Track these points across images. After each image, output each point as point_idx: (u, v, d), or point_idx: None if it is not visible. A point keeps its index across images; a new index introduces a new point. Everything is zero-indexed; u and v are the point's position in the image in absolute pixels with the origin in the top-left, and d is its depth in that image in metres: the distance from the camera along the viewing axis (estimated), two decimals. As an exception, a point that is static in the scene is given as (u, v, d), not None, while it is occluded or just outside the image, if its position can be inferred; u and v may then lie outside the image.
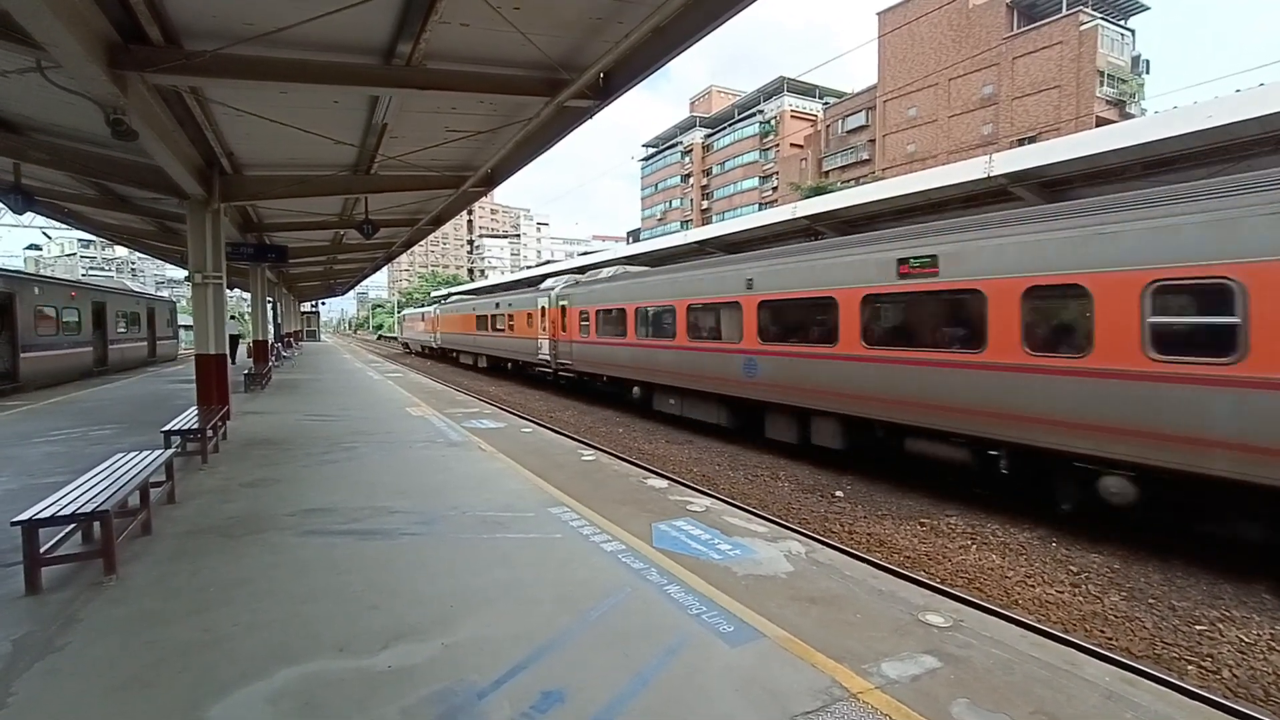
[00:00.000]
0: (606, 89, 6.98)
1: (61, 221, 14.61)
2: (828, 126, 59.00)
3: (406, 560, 4.28)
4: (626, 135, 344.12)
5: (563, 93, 6.77)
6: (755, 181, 72.55)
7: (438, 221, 15.73)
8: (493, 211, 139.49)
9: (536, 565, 4.20)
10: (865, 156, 53.16)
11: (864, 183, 29.43)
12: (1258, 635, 4.56)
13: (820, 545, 4.95)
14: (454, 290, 46.35)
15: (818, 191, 34.88)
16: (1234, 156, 8.80)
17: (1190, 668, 4.25)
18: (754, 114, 74.45)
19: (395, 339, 66.12)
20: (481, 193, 12.31)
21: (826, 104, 63.85)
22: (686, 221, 78.97)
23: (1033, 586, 5.44)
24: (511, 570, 4.11)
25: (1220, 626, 4.71)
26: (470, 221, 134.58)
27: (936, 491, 7.89)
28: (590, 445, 9.43)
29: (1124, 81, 40.17)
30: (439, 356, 36.31)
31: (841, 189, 25.10)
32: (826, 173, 55.99)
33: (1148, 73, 41.84)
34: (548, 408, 16.35)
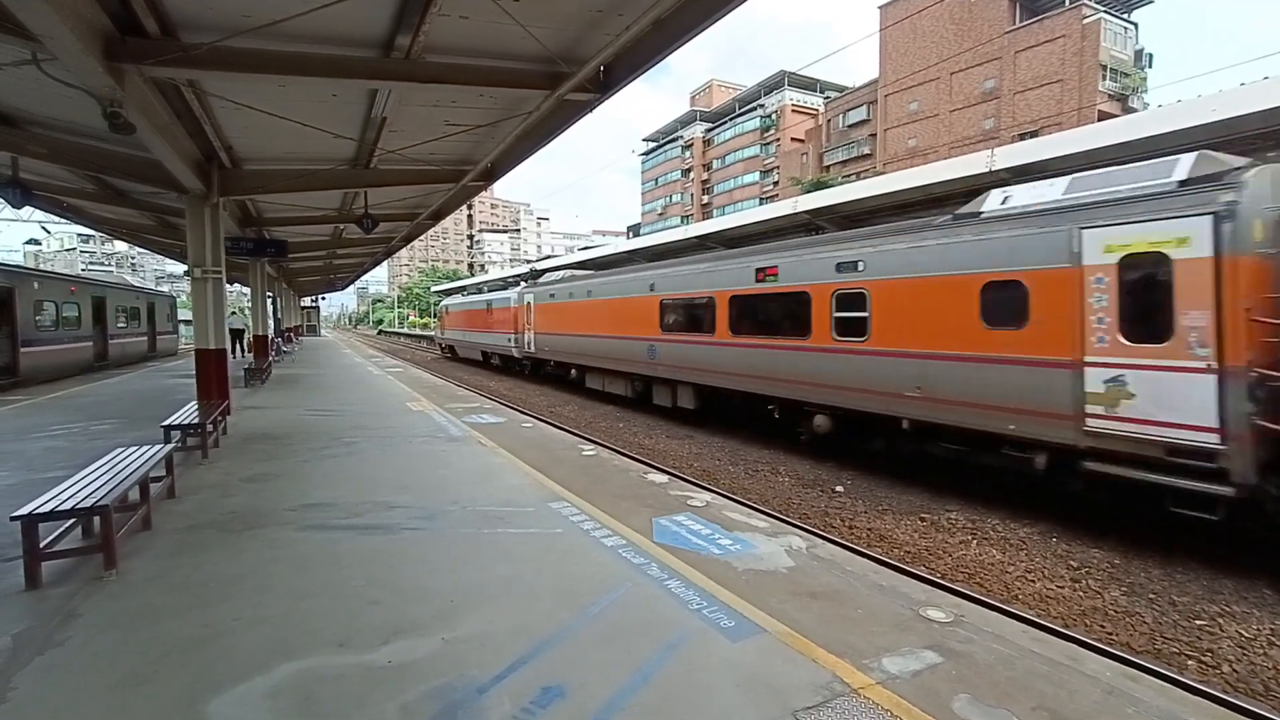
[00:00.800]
0: (607, 82, 6.93)
1: (60, 216, 14.58)
2: (829, 121, 58.81)
3: (407, 555, 4.27)
4: (626, 129, 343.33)
5: (563, 86, 6.72)
6: (756, 176, 72.38)
7: (437, 216, 15.68)
8: (493, 206, 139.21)
9: (537, 560, 4.20)
10: (866, 151, 53.00)
11: (865, 177, 29.32)
12: (1258, 630, 4.56)
13: (821, 540, 4.93)
14: (583, 259, 24.83)
15: (818, 186, 34.79)
16: (1236, 150, 8.75)
17: (1190, 662, 4.25)
18: (755, 108, 74.18)
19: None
20: (481, 187, 12.26)
21: (828, 98, 63.59)
22: (687, 216, 78.88)
23: (1033, 581, 5.44)
24: (512, 565, 4.10)
25: (1220, 622, 4.71)
26: (470, 216, 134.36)
27: (936, 486, 7.88)
28: (591, 440, 9.43)
29: (1126, 75, 40.00)
30: (517, 371, 22.62)
31: (842, 184, 24.99)
32: (827, 167, 55.86)
33: (1150, 66, 41.65)
34: (548, 403, 16.34)
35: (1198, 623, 4.71)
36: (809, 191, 24.83)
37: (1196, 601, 5.01)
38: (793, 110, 69.63)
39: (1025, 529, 6.52)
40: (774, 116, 71.45)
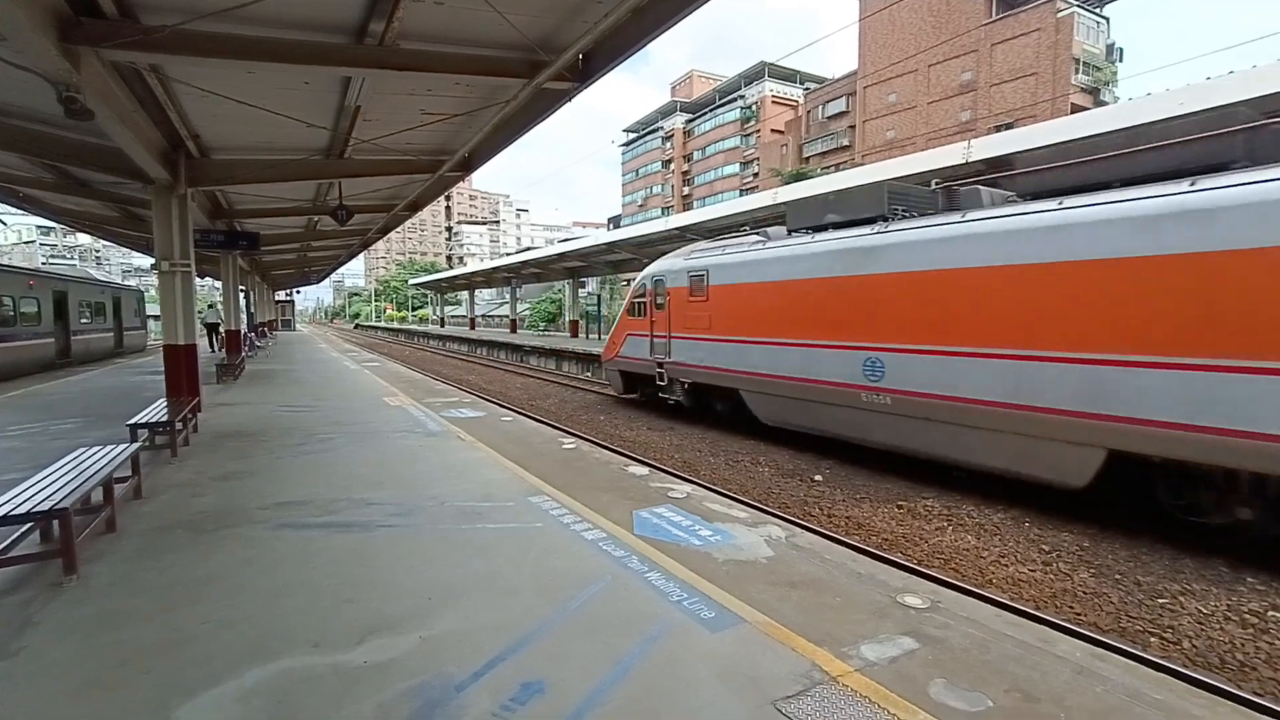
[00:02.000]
0: (586, 71, 6.87)
1: (16, 207, 14.00)
2: (808, 112, 59.03)
3: (383, 553, 4.21)
4: (607, 119, 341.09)
5: (541, 74, 6.64)
6: (736, 167, 72.48)
7: (414, 207, 15.43)
8: (471, 198, 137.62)
9: (516, 555, 4.16)
10: (845, 142, 53.37)
11: (844, 168, 29.51)
12: (1215, 607, 4.72)
13: (800, 529, 4.97)
14: None
15: (798, 177, 34.95)
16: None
17: (1153, 639, 4.38)
18: (735, 99, 74.16)
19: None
20: (459, 177, 12.10)
21: (807, 89, 63.86)
22: (668, 207, 78.73)
23: (1006, 565, 5.55)
24: (491, 561, 4.07)
25: (1181, 599, 4.85)
26: (448, 208, 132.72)
27: (913, 475, 7.99)
28: (571, 433, 9.39)
29: (1098, 69, 40.77)
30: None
31: (821, 175, 25.13)
32: (807, 159, 56.12)
33: (1121, 60, 42.48)
34: (529, 396, 16.24)
35: (1160, 601, 4.85)
36: (789, 183, 24.96)
37: (1159, 581, 5.15)
38: (773, 101, 69.79)
39: (999, 514, 6.65)
40: (754, 108, 71.53)
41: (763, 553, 4.27)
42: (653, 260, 13.49)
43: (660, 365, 12.26)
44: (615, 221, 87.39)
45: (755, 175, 66.93)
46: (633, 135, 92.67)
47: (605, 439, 10.19)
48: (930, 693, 2.70)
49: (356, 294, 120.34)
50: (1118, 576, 5.28)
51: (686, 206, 73.07)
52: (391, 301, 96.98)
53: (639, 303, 13.02)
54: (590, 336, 35.50)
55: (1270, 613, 4.61)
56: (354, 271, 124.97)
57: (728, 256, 10.69)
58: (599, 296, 41.14)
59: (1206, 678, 3.71)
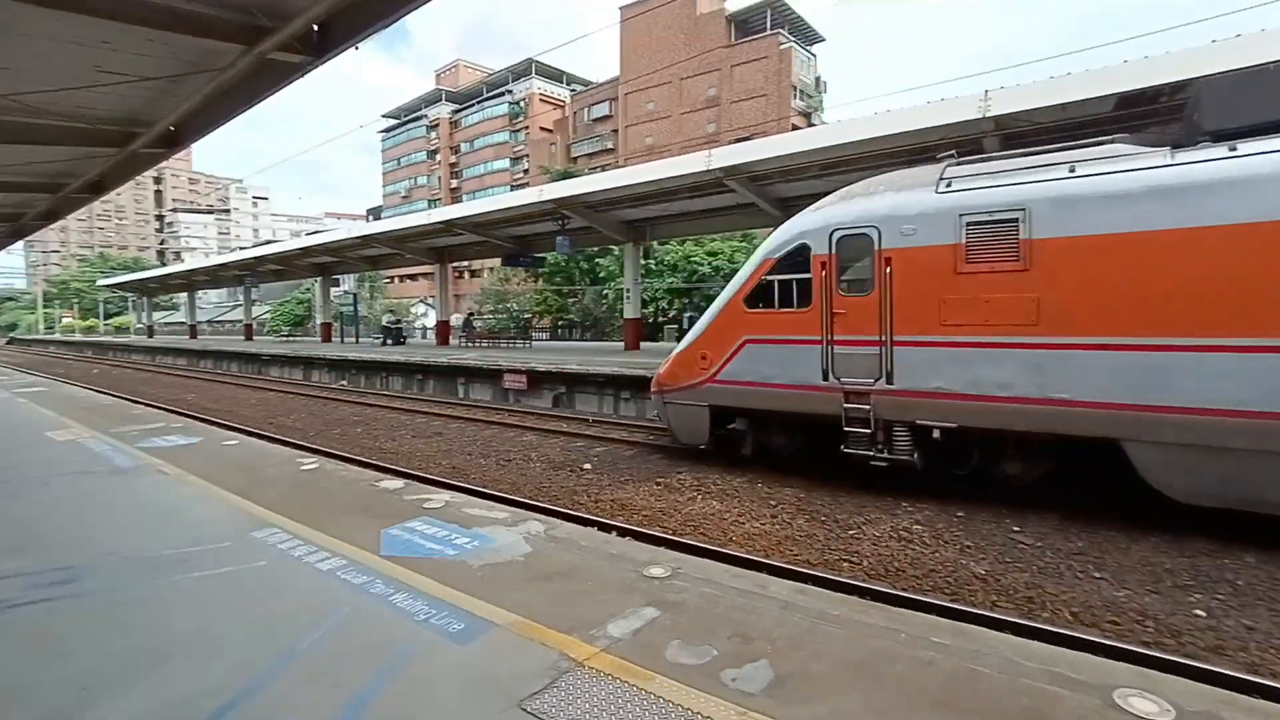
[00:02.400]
0: (323, 44, 6.05)
1: None
2: (575, 113, 60.89)
3: (14, 642, 3.18)
4: (366, 100, 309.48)
5: (264, 42, 5.69)
6: (506, 163, 71.73)
7: (97, 189, 12.14)
8: (192, 181, 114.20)
9: (230, 604, 3.50)
10: (610, 145, 56.27)
11: (609, 170, 31.04)
12: (883, 530, 6.05)
13: (560, 521, 5.06)
14: None
15: (566, 175, 35.86)
16: (876, 164, 11.33)
17: (845, 565, 5.43)
18: (502, 94, 73.14)
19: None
20: (161, 155, 9.83)
21: (574, 90, 65.69)
22: (435, 199, 74.55)
23: (744, 523, 6.38)
24: (195, 616, 3.35)
25: (864, 528, 6.11)
26: (159, 192, 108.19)
27: (671, 454, 8.74)
28: (313, 451, 8.30)
29: (810, 96, 49.23)
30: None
31: (588, 175, 26.13)
32: (575, 158, 57.84)
33: (825, 91, 51.87)
34: (267, 413, 14.00)
35: (850, 533, 6.03)
36: (558, 180, 25.40)
37: (851, 516, 6.41)
38: (540, 99, 70.41)
39: (738, 480, 7.63)
40: (522, 104, 71.33)
41: (521, 550, 4.23)
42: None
43: (859, 396, 6.84)
44: (376, 213, 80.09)
45: (526, 172, 66.90)
46: (394, 122, 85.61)
47: (362, 452, 9.26)
48: (666, 655, 2.92)
49: (12, 299, 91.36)
50: (823, 518, 6.42)
51: (456, 200, 69.99)
52: (73, 307, 75.84)
53: (776, 283, 7.38)
54: (347, 340, 32.10)
55: (914, 526, 6.07)
56: (10, 268, 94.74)
57: (1094, 180, 5.64)
58: (355, 296, 37.38)
59: (872, 586, 4.70)
